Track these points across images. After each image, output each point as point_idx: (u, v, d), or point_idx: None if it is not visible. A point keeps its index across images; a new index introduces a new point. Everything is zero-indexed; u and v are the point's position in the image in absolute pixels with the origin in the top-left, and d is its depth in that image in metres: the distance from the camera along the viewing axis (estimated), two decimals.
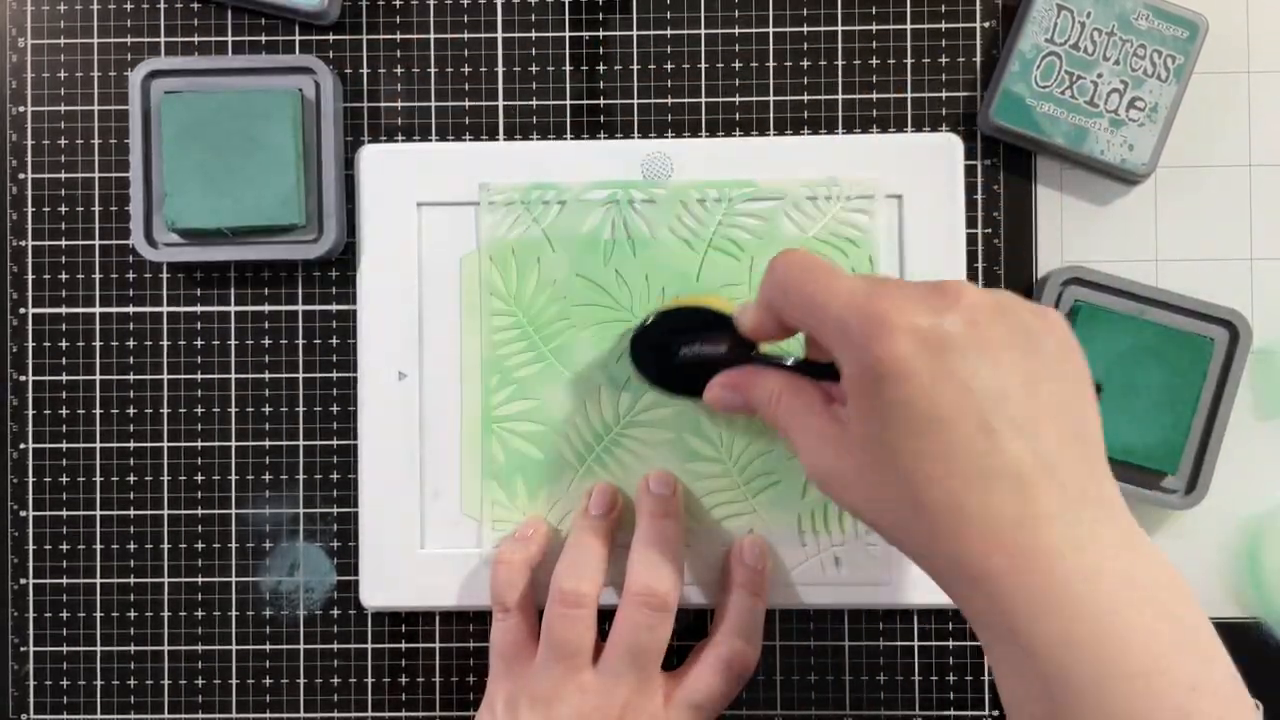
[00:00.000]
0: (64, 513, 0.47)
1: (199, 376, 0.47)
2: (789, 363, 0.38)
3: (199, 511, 0.47)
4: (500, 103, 0.47)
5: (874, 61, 0.47)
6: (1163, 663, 0.29)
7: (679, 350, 0.41)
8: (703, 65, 0.47)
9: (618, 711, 0.41)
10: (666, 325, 0.42)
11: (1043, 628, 0.29)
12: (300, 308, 0.47)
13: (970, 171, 0.46)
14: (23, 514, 0.47)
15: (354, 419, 0.47)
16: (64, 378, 0.47)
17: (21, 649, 0.47)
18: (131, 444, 0.47)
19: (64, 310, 0.47)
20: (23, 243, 0.47)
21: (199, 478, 0.47)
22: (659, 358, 0.42)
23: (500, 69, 0.47)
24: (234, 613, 0.47)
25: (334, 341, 0.47)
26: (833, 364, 0.34)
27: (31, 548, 0.47)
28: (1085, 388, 0.33)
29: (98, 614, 0.47)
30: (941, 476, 0.30)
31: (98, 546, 0.47)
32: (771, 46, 0.47)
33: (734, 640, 0.43)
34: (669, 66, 0.47)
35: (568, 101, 0.47)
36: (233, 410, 0.47)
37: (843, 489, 0.33)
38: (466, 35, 0.47)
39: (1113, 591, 0.29)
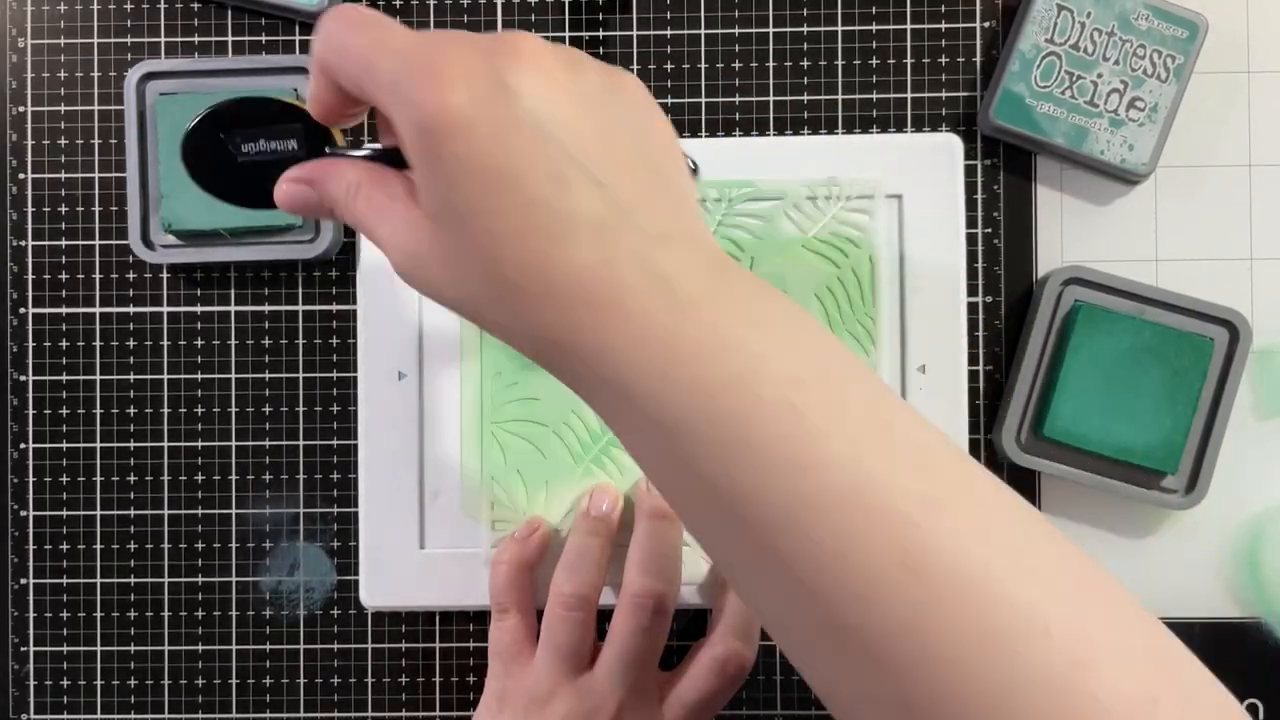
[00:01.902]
0: (64, 513, 0.47)
1: (199, 376, 0.47)
2: (366, 152, 0.33)
3: (199, 511, 0.47)
4: None
5: (874, 61, 0.47)
6: (760, 365, 0.27)
7: (241, 148, 0.34)
8: (703, 65, 0.47)
9: (614, 712, 0.41)
10: (225, 119, 0.35)
11: (638, 369, 0.27)
12: (300, 308, 0.47)
13: (970, 171, 0.46)
14: (23, 514, 0.47)
15: (354, 419, 0.47)
16: (64, 378, 0.47)
17: (21, 649, 0.47)
18: (131, 444, 0.47)
19: (64, 310, 0.47)
20: (23, 243, 0.47)
21: (199, 478, 0.47)
22: (218, 160, 0.35)
23: None
24: (234, 613, 0.47)
25: (334, 341, 0.47)
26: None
27: (31, 548, 0.47)
28: (666, 138, 0.30)
29: (98, 614, 0.47)
30: (517, 233, 0.28)
31: (98, 546, 0.47)
32: (771, 46, 0.47)
33: (730, 640, 0.42)
34: (669, 66, 0.47)
35: None
36: (233, 410, 0.47)
37: (426, 273, 0.30)
38: None
39: (703, 314, 0.27)
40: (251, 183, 0.34)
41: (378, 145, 0.33)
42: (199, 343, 0.47)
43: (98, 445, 0.47)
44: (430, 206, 0.29)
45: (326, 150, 0.34)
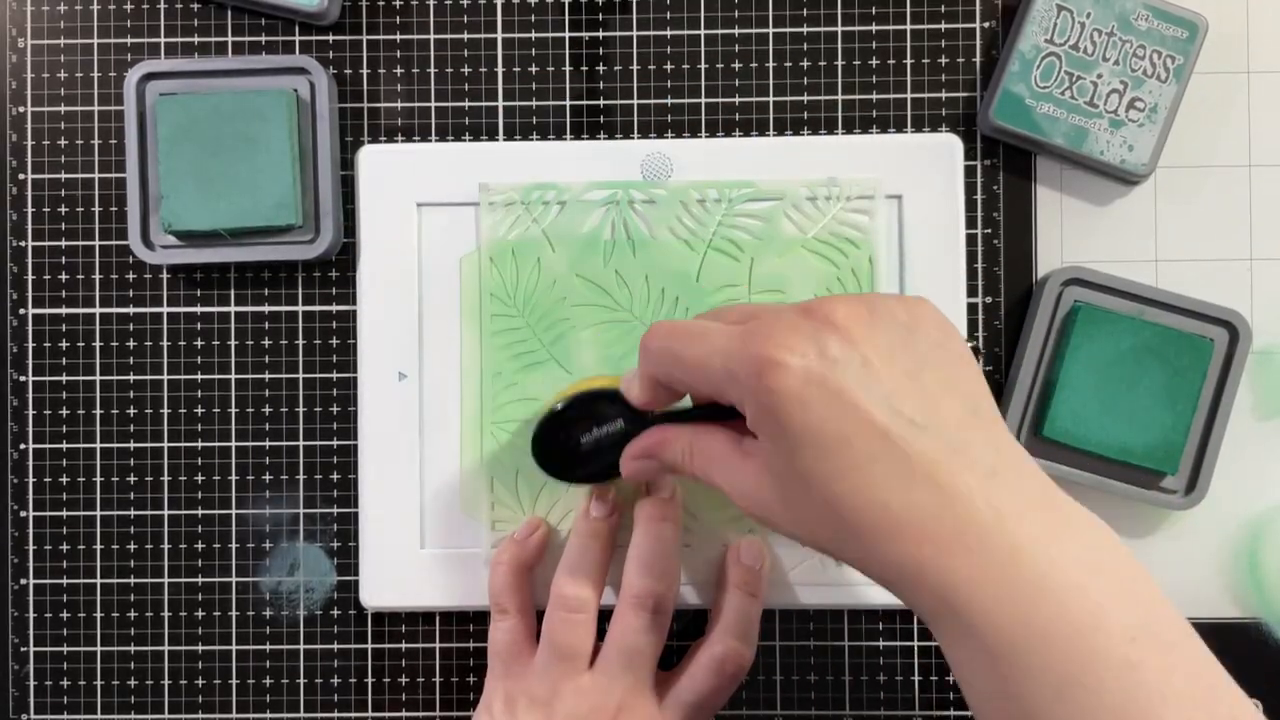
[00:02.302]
0: (64, 513, 0.47)
1: (199, 377, 0.47)
2: (688, 414, 0.39)
3: (199, 511, 0.47)
4: (500, 103, 0.47)
5: (874, 61, 0.47)
6: (1099, 617, 0.29)
7: (580, 441, 0.41)
8: (703, 65, 0.47)
9: (613, 712, 0.41)
10: (558, 422, 0.41)
11: (979, 603, 0.30)
12: (300, 308, 0.47)
13: (970, 172, 0.46)
14: (23, 514, 0.47)
15: (354, 419, 0.47)
16: (64, 378, 0.47)
17: (21, 649, 0.47)
18: (131, 444, 0.47)
19: (64, 311, 0.47)
20: (23, 243, 0.47)
21: (199, 478, 0.47)
22: (565, 455, 0.41)
23: (500, 69, 0.47)
24: (234, 613, 0.47)
25: (334, 341, 0.47)
26: (727, 406, 0.35)
27: (31, 548, 0.47)
28: (968, 364, 0.34)
29: (98, 614, 0.47)
30: (858, 489, 0.31)
31: (98, 546, 0.47)
32: (771, 46, 0.47)
33: (729, 640, 0.43)
34: (669, 66, 0.47)
35: (568, 101, 0.47)
36: (233, 410, 0.47)
37: (774, 519, 0.34)
38: (466, 35, 0.47)
39: (1039, 553, 0.30)
40: (590, 463, 0.41)
41: (691, 408, 0.39)
42: (199, 343, 0.47)
43: (98, 445, 0.47)
44: (775, 467, 0.33)
45: (649, 419, 0.40)
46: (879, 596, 0.45)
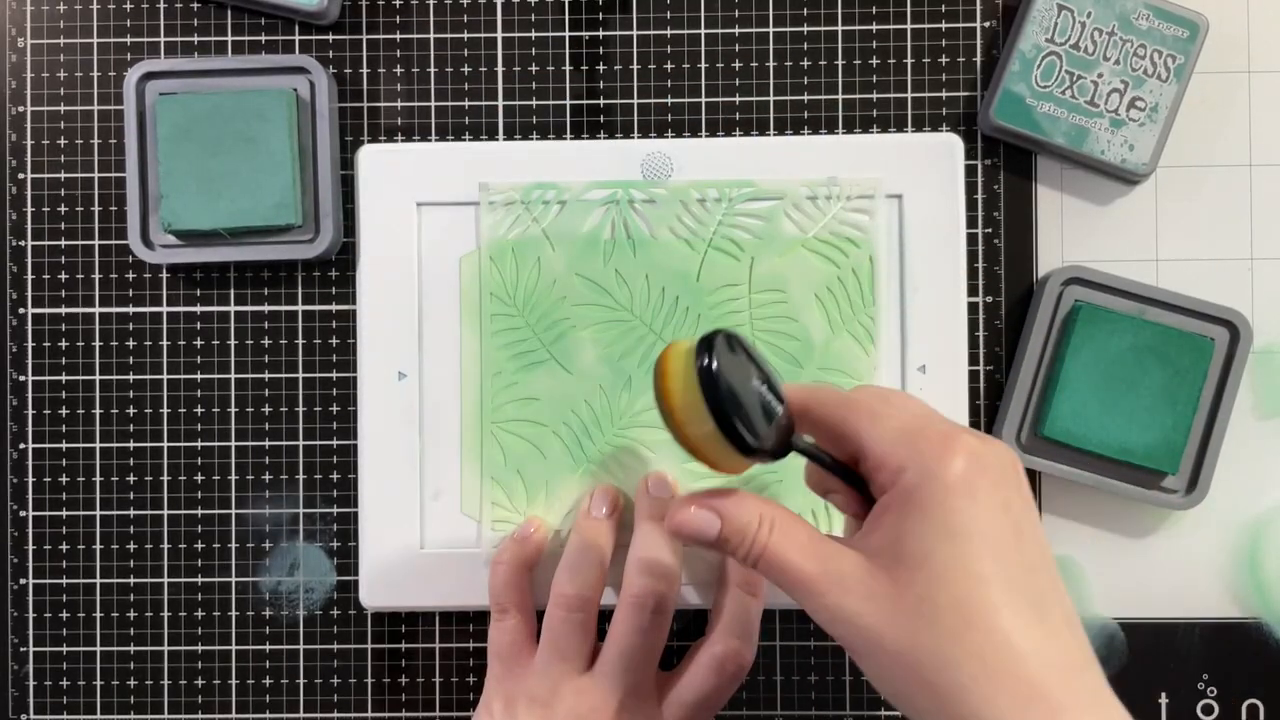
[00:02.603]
0: (64, 513, 0.47)
1: (199, 376, 0.47)
2: (822, 459, 0.34)
3: (199, 511, 0.47)
4: (500, 103, 0.47)
5: (874, 61, 0.47)
6: None
7: (753, 382, 0.33)
8: (703, 65, 0.47)
9: (613, 713, 0.41)
10: (734, 350, 0.33)
11: None
12: (300, 308, 0.47)
13: (970, 171, 0.46)
14: (23, 514, 0.47)
15: (354, 419, 0.47)
16: (64, 378, 0.47)
17: (21, 649, 0.47)
18: (131, 444, 0.47)
19: (64, 310, 0.47)
20: (22, 243, 0.47)
21: (199, 478, 0.47)
22: (733, 383, 0.32)
23: (500, 69, 0.47)
24: (234, 613, 0.47)
25: (334, 341, 0.47)
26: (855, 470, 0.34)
27: (31, 548, 0.47)
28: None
29: (98, 614, 0.47)
30: (998, 606, 0.30)
31: (98, 546, 0.47)
32: (771, 46, 0.47)
33: (729, 639, 0.42)
34: (669, 66, 0.47)
35: (568, 101, 0.47)
36: (233, 410, 0.47)
37: (866, 610, 0.31)
38: (466, 35, 0.47)
39: None
40: (743, 408, 0.32)
41: (823, 454, 0.34)
42: (199, 343, 0.47)
43: (97, 445, 0.47)
44: (899, 548, 0.31)
45: (795, 441, 0.34)
46: None
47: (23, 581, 0.47)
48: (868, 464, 0.33)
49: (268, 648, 0.47)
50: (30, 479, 0.47)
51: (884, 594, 0.31)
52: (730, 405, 0.32)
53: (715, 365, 0.32)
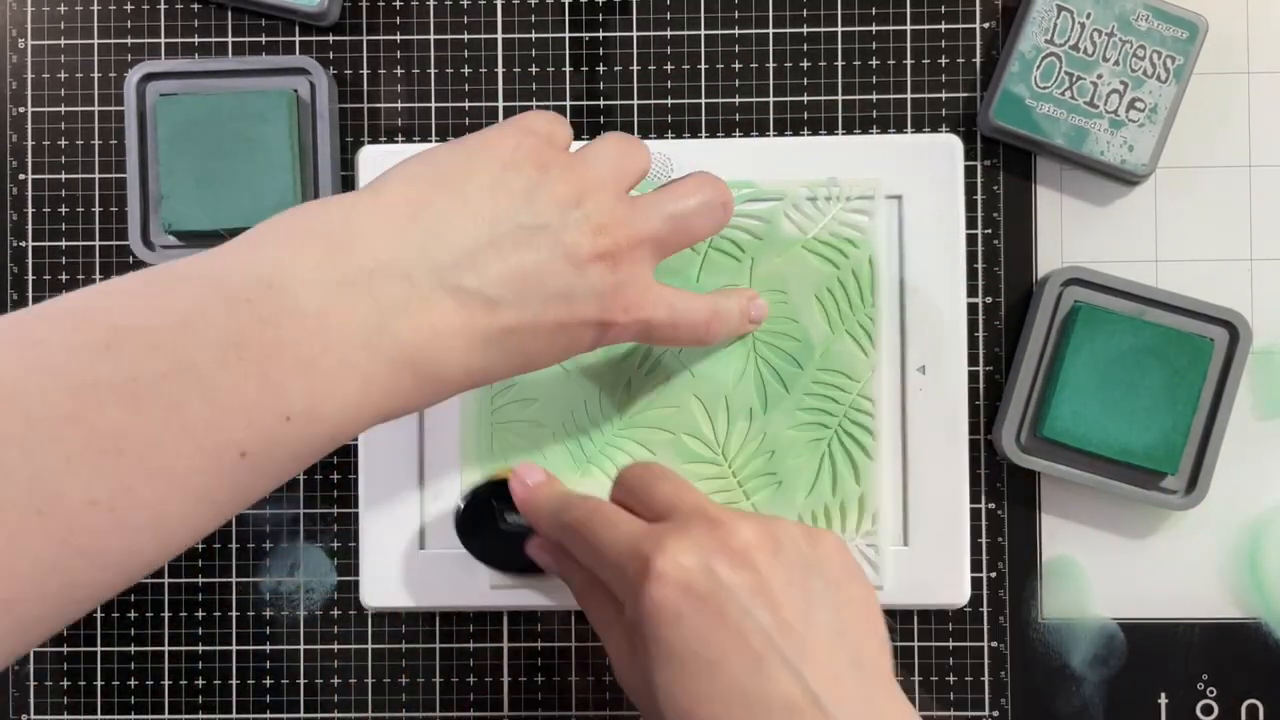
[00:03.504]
0: None
1: None
2: None
3: None
4: (500, 103, 0.47)
5: (874, 62, 0.47)
6: None
7: (506, 518, 0.41)
8: (703, 65, 0.47)
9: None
10: (482, 501, 0.42)
11: None
12: None
13: (970, 172, 0.46)
14: None
15: None
16: None
17: None
18: None
19: None
20: (23, 243, 0.47)
21: None
22: (486, 528, 0.42)
23: (500, 69, 0.47)
24: (234, 613, 0.47)
25: None
26: None
27: None
28: (866, 610, 0.33)
29: (98, 614, 0.47)
30: (717, 716, 0.30)
31: None
32: (771, 46, 0.47)
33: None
34: (669, 67, 0.47)
35: (568, 102, 0.47)
36: None
37: (636, 699, 0.34)
38: (466, 35, 0.47)
39: None
40: (512, 548, 0.41)
41: None
42: None
43: None
44: (640, 666, 0.32)
45: None
46: (878, 597, 0.45)
47: None
48: None
49: (268, 648, 0.47)
50: None
51: (641, 694, 0.33)
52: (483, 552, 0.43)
53: (459, 532, 0.43)
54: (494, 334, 0.33)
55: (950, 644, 0.46)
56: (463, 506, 0.43)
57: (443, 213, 0.32)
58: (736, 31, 0.47)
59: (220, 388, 0.28)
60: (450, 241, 0.32)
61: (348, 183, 0.47)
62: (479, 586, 0.45)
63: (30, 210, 0.47)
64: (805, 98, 0.47)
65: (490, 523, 0.42)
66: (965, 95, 0.47)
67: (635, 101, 0.47)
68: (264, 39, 0.48)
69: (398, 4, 0.47)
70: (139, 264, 0.47)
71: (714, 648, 0.31)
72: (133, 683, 0.47)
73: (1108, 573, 0.46)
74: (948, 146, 0.45)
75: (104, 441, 0.26)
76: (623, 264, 0.35)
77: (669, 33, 0.47)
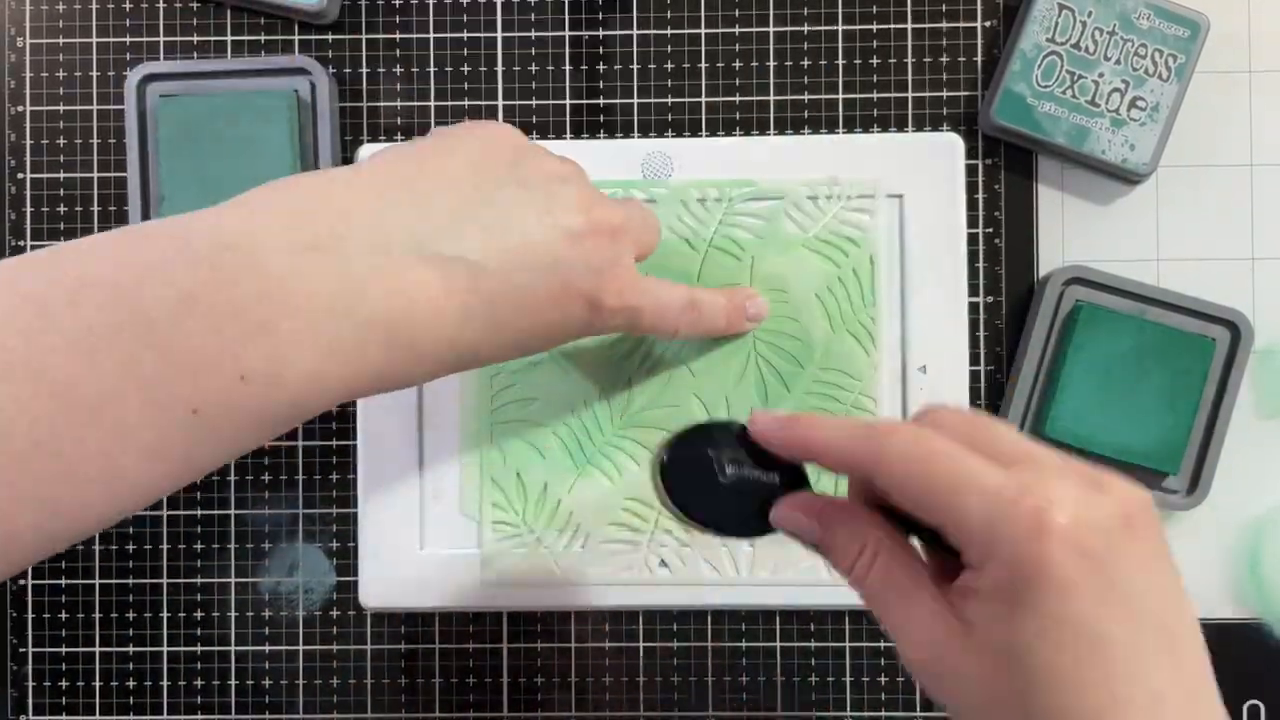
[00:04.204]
0: None
1: None
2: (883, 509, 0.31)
3: (199, 512, 0.47)
4: (500, 103, 0.47)
5: (874, 61, 0.47)
6: None
7: (725, 469, 0.33)
8: (703, 65, 0.47)
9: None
10: (691, 450, 0.34)
11: None
12: None
13: (971, 171, 0.46)
14: None
15: (354, 419, 0.46)
16: None
17: (21, 649, 0.47)
18: None
19: None
20: (22, 243, 0.47)
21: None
22: (699, 475, 0.34)
23: (500, 69, 0.47)
24: (234, 613, 0.47)
25: None
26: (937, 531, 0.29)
27: None
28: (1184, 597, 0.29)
29: (97, 614, 0.47)
30: (1094, 708, 0.26)
31: (96, 547, 0.47)
32: (771, 46, 0.47)
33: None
34: (669, 66, 0.47)
35: (568, 101, 0.47)
36: None
37: (958, 693, 0.28)
38: (466, 35, 0.47)
39: None
40: (727, 503, 0.33)
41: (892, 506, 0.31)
42: None
43: None
44: (996, 641, 0.27)
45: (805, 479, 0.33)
46: None
47: (22, 582, 0.47)
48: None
49: (268, 648, 0.47)
50: None
51: (975, 679, 0.28)
52: (691, 508, 0.34)
53: (663, 485, 0.34)
54: (476, 305, 0.32)
55: None
56: (666, 459, 0.34)
57: (424, 187, 0.32)
58: (736, 31, 0.47)
59: (173, 343, 0.28)
60: (431, 212, 0.31)
61: None
62: (479, 586, 0.45)
63: (29, 209, 0.47)
64: (806, 97, 0.47)
65: (705, 477, 0.34)
66: (966, 94, 0.47)
67: (635, 101, 0.47)
68: (263, 38, 0.47)
69: (397, 3, 0.47)
70: None
71: (1105, 624, 0.26)
72: (132, 683, 0.47)
73: None
74: (949, 145, 0.45)
75: (55, 388, 0.26)
76: (618, 242, 0.35)
77: (669, 32, 0.47)
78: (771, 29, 0.47)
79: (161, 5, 0.47)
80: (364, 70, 0.47)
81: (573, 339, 0.36)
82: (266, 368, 0.29)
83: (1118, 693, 0.26)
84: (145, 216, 0.46)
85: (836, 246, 0.45)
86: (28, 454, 0.26)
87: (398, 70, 0.47)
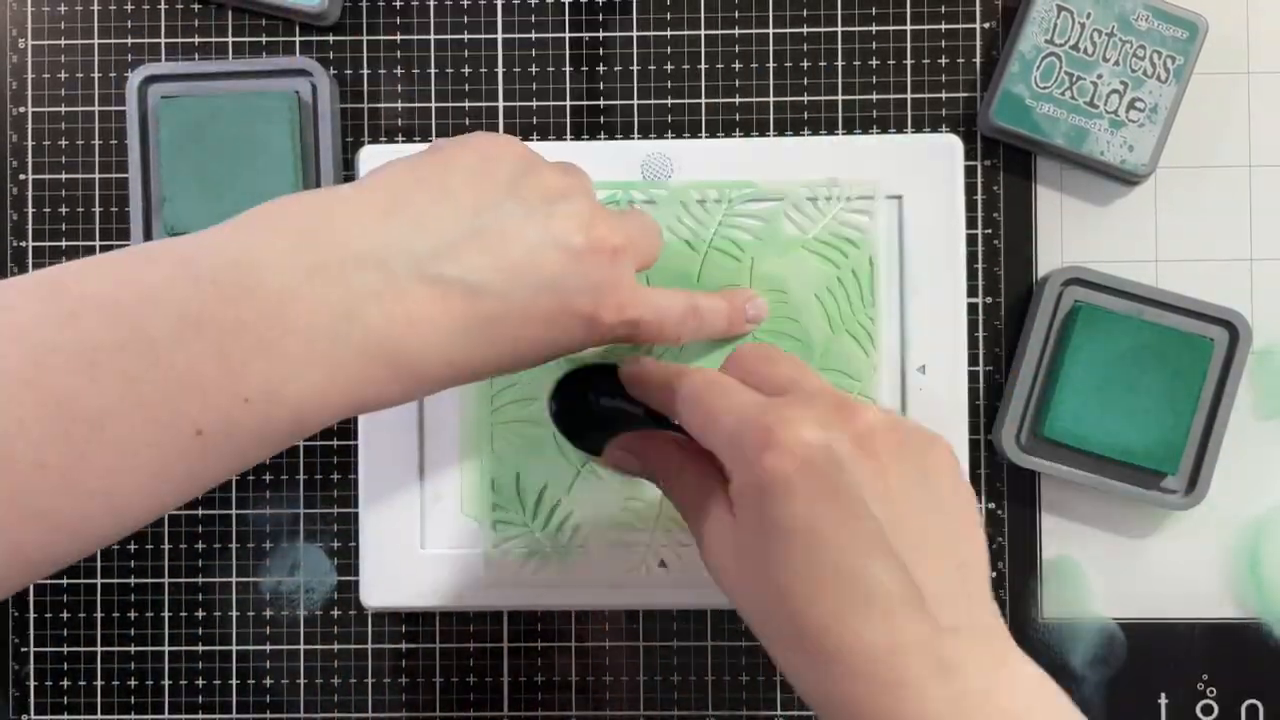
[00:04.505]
0: None
1: None
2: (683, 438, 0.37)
3: (199, 511, 0.47)
4: (500, 103, 0.47)
5: (874, 62, 0.47)
6: None
7: (597, 400, 0.41)
8: (703, 65, 0.47)
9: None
10: (589, 377, 0.42)
11: None
12: None
13: (970, 172, 0.46)
14: None
15: (355, 419, 0.47)
16: None
17: (21, 649, 0.47)
18: None
19: None
20: (23, 244, 0.47)
21: None
22: (577, 406, 0.42)
23: (500, 69, 0.47)
24: (234, 613, 0.47)
25: None
26: None
27: None
28: (972, 518, 0.33)
29: (98, 614, 0.47)
30: (816, 597, 0.30)
31: None
32: (771, 46, 0.47)
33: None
34: (669, 67, 0.47)
35: (568, 102, 0.47)
36: None
37: (730, 585, 0.33)
38: (466, 35, 0.47)
39: (974, 708, 0.29)
40: (601, 428, 0.41)
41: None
42: None
43: None
44: (746, 541, 0.32)
45: (666, 428, 0.39)
46: None
47: None
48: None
49: (268, 648, 0.47)
50: None
51: (735, 573, 0.33)
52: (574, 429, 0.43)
53: (550, 409, 0.43)
54: (475, 324, 0.32)
55: None
56: (555, 387, 0.42)
57: (423, 204, 0.32)
58: (736, 31, 0.47)
59: (176, 364, 0.28)
60: (430, 231, 0.32)
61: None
62: (479, 586, 0.45)
63: (30, 210, 0.47)
64: (805, 98, 0.47)
65: (582, 404, 0.41)
66: (965, 95, 0.47)
67: (635, 101, 0.47)
68: (264, 39, 0.48)
69: (398, 4, 0.47)
70: None
71: (822, 525, 0.30)
72: (133, 683, 0.47)
73: (1108, 573, 0.46)
74: (948, 146, 0.45)
75: (58, 407, 0.27)
76: (619, 258, 0.35)
77: (669, 33, 0.47)
78: (771, 30, 0.47)
79: (163, 6, 0.48)
80: (364, 71, 0.47)
81: (573, 353, 0.36)
82: (269, 388, 0.29)
83: (830, 590, 0.30)
84: (147, 217, 0.46)
85: (836, 248, 0.45)
86: (30, 471, 0.27)
87: (398, 71, 0.47)
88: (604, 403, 0.40)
